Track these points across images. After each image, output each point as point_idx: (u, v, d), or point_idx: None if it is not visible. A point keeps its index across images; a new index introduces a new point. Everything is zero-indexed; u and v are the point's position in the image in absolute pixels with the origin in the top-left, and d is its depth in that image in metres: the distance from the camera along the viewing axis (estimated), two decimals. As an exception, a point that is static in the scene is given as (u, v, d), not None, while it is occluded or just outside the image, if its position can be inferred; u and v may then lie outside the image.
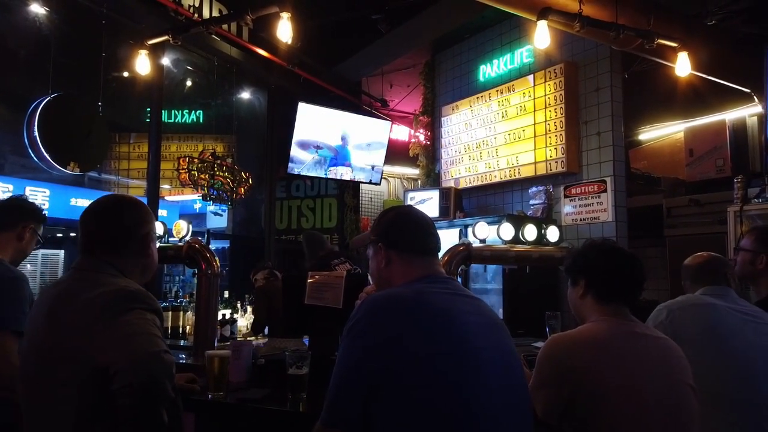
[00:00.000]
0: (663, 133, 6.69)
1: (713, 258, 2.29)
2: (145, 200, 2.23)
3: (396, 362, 1.25)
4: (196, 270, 2.82)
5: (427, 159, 6.93)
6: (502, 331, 1.46)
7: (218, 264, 2.80)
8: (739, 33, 5.16)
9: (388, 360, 1.25)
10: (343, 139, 6.50)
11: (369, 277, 1.70)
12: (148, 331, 1.34)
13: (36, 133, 4.50)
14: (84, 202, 6.35)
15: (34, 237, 2.30)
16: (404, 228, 1.56)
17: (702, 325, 1.98)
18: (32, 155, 4.63)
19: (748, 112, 5.39)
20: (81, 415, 1.32)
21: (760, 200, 4.21)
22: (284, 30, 3.70)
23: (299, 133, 6.06)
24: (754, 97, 4.72)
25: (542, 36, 3.70)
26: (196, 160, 5.45)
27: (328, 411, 1.27)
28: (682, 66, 3.99)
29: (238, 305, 4.56)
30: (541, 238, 4.83)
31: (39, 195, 5.68)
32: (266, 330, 4.05)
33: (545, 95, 5.37)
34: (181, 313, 3.73)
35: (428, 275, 1.48)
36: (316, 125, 6.21)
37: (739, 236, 2.59)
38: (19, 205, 2.33)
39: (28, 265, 5.86)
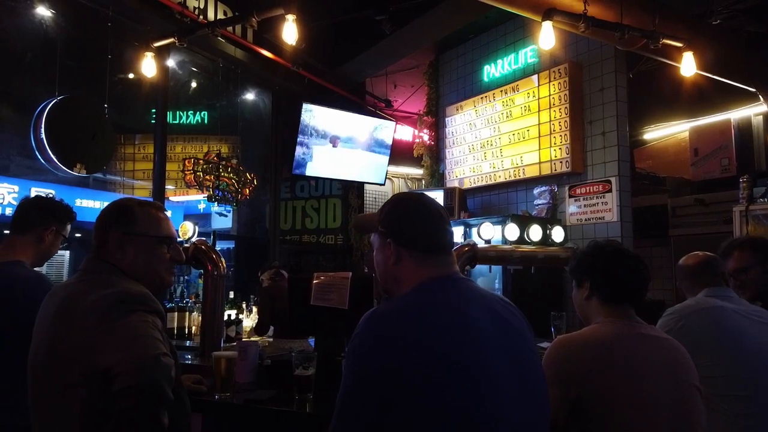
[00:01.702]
0: (668, 132, 6.67)
1: (712, 258, 2.28)
2: (150, 201, 2.21)
3: (405, 377, 1.18)
4: (202, 271, 2.83)
5: (432, 159, 6.93)
6: (520, 335, 1.36)
7: (224, 265, 2.81)
8: (745, 32, 5.14)
9: (397, 376, 1.18)
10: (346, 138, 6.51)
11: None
12: (148, 333, 1.36)
13: (43, 135, 4.52)
14: (89, 203, 6.38)
15: (57, 238, 2.26)
16: (416, 222, 1.41)
17: (716, 330, 1.99)
18: (39, 157, 4.65)
19: (753, 112, 5.39)
20: (86, 417, 1.33)
21: (766, 200, 4.20)
22: (289, 32, 3.71)
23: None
24: (760, 97, 4.71)
25: (547, 37, 3.70)
26: (201, 161, 5.47)
27: (337, 423, 1.23)
28: (687, 66, 3.99)
29: (244, 306, 4.56)
30: (546, 239, 4.85)
31: (45, 196, 5.70)
32: (270, 331, 4.05)
33: (550, 95, 5.37)
34: (187, 313, 3.74)
35: (441, 276, 1.37)
36: (319, 126, 6.22)
37: (725, 259, 2.47)
38: (35, 207, 2.27)
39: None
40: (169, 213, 1.76)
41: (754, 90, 4.70)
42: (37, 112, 4.63)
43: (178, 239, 2.99)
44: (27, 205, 2.29)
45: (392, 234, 1.40)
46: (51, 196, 2.35)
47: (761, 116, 5.24)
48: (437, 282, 1.35)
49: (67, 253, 6.21)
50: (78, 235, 6.05)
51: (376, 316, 1.28)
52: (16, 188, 5.51)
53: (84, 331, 1.36)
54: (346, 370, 1.25)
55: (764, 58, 4.34)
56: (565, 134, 5.18)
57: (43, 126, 4.55)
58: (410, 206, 1.45)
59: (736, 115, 5.54)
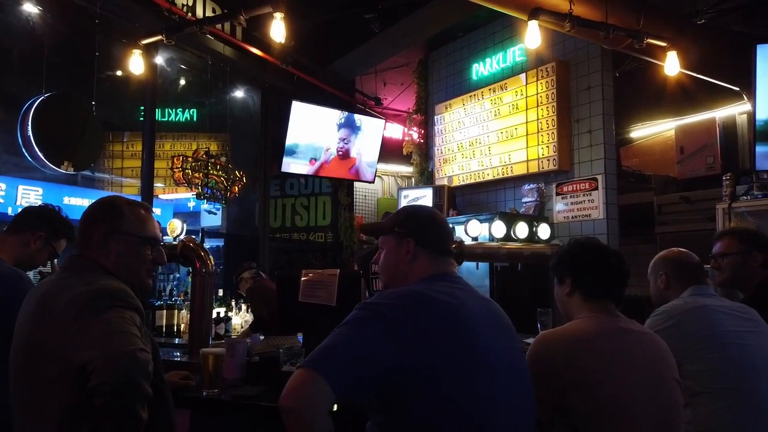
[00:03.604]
0: (654, 130, 6.74)
1: (694, 256, 2.33)
2: (139, 198, 2.20)
3: (421, 359, 1.27)
4: (190, 268, 2.84)
5: (421, 157, 6.96)
6: (511, 332, 1.53)
7: (213, 262, 2.82)
8: (729, 32, 5.20)
9: (412, 357, 1.27)
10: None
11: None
12: (125, 329, 1.35)
13: (30, 133, 4.49)
14: (77, 201, 6.33)
15: (45, 247, 2.28)
16: (434, 227, 1.61)
17: (705, 329, 2.03)
18: (26, 155, 4.61)
19: (737, 110, 5.44)
20: (65, 413, 1.34)
21: (749, 197, 4.26)
22: (278, 30, 3.72)
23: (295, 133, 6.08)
24: (744, 96, 4.76)
25: (533, 36, 3.73)
26: (190, 159, 5.44)
27: (321, 360, 1.25)
28: (671, 65, 4.04)
29: (233, 303, 4.57)
30: (532, 236, 4.89)
31: (32, 194, 5.67)
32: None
33: (537, 93, 5.41)
34: (176, 311, 3.75)
35: (443, 273, 1.54)
36: (309, 124, 6.22)
37: (714, 243, 2.59)
38: (32, 212, 2.31)
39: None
40: (158, 211, 1.76)
41: (738, 89, 4.76)
42: (24, 109, 4.59)
43: (166, 237, 3.01)
44: (27, 210, 2.35)
45: (413, 234, 1.58)
46: (56, 207, 2.37)
47: (745, 115, 5.30)
48: (442, 276, 1.53)
49: (55, 251, 6.15)
50: (64, 244, 6.01)
51: (396, 290, 1.45)
52: (3, 186, 5.46)
53: (61, 328, 1.36)
54: (359, 322, 1.33)
55: (748, 57, 4.39)
56: (553, 132, 5.22)
57: (30, 123, 4.51)
58: (429, 214, 1.67)
59: (721, 113, 5.60)
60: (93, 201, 1.69)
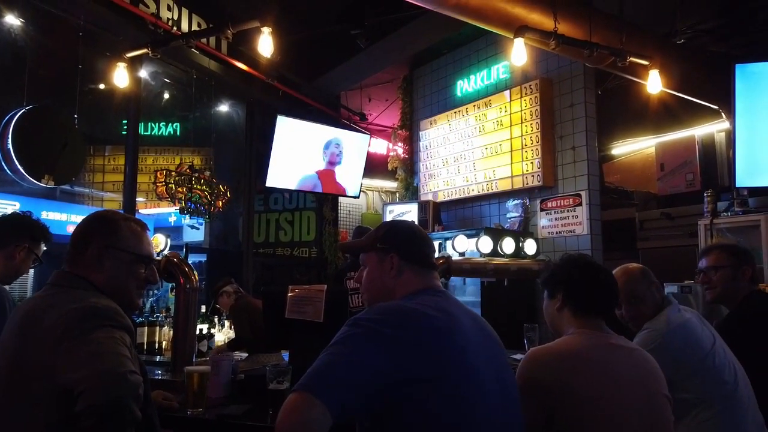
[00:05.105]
0: (635, 147, 6.85)
1: None
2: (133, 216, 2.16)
3: (414, 375, 1.26)
4: (173, 285, 2.79)
5: (406, 172, 6.98)
6: (498, 345, 1.52)
7: (197, 278, 2.78)
8: (708, 52, 5.32)
9: (406, 372, 1.26)
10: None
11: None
12: (115, 350, 1.31)
13: (10, 146, 4.40)
14: (55, 215, 6.23)
15: (29, 256, 2.27)
16: (418, 241, 1.61)
17: (690, 343, 2.06)
18: (6, 168, 4.53)
19: (716, 128, 5.56)
20: None
21: (729, 214, 4.33)
22: (265, 45, 3.72)
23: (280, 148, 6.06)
24: (722, 114, 4.87)
25: (519, 53, 3.78)
26: (173, 173, 5.39)
27: (316, 382, 1.21)
28: (653, 83, 4.11)
29: (216, 320, 4.50)
30: (518, 251, 4.91)
31: (9, 208, 5.57)
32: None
33: (521, 110, 5.47)
34: (157, 328, 3.68)
35: (429, 287, 1.53)
36: (294, 139, 6.20)
37: (701, 258, 2.61)
38: (11, 223, 2.29)
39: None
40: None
41: (716, 108, 4.86)
42: (4, 122, 4.51)
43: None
44: (2, 222, 2.32)
45: (396, 249, 1.57)
46: (28, 213, 2.36)
47: (723, 133, 5.41)
48: (428, 291, 1.52)
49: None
50: (44, 248, 5.88)
51: (385, 305, 1.43)
52: (-20, 200, 5.37)
53: (47, 347, 1.32)
54: (349, 340, 1.29)
55: (726, 76, 4.50)
56: (536, 149, 5.28)
57: (10, 136, 4.43)
58: (410, 228, 1.66)
59: (700, 131, 5.72)
60: (87, 215, 1.65)
